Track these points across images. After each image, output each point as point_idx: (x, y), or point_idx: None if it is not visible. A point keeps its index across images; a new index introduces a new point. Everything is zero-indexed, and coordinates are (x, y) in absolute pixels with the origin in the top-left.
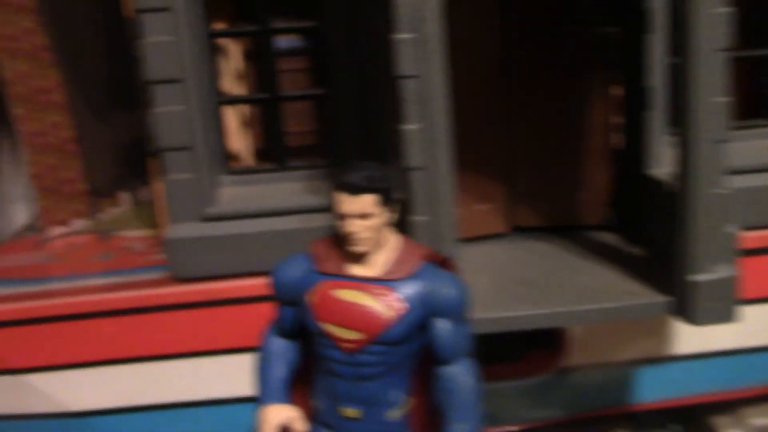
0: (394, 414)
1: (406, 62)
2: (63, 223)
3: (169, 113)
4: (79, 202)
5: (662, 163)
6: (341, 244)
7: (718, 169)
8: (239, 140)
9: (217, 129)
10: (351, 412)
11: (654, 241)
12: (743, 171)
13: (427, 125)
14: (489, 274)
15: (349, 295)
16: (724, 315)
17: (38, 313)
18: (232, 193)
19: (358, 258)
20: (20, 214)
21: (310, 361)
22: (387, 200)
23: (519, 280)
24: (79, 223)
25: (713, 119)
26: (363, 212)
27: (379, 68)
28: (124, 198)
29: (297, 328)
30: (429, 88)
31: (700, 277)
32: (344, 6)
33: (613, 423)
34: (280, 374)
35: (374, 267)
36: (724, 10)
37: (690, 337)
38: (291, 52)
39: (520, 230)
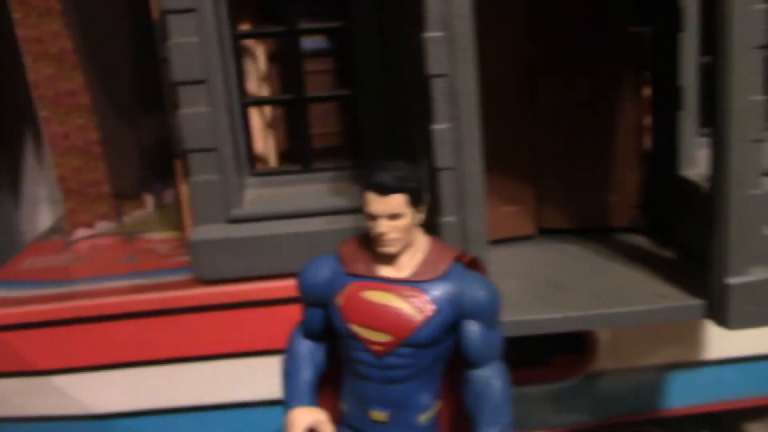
0: (424, 418)
1: (435, 61)
2: (88, 225)
3: (195, 114)
4: (104, 204)
5: (694, 165)
6: (370, 245)
7: (754, 169)
8: (263, 142)
9: (243, 130)
10: (378, 415)
11: (686, 244)
12: None
13: (457, 124)
14: (517, 276)
15: (377, 296)
16: (758, 319)
17: (63, 315)
18: (257, 195)
19: (387, 259)
20: (44, 217)
21: (337, 363)
22: (417, 200)
23: (548, 283)
24: (103, 226)
25: (749, 118)
26: (393, 212)
27: (406, 68)
28: (149, 200)
29: (324, 330)
30: (459, 86)
31: (735, 280)
32: (372, 6)
33: (642, 429)
34: (307, 377)
35: (403, 268)
36: (760, 7)
37: (721, 342)
38: (315, 54)
39: (547, 232)
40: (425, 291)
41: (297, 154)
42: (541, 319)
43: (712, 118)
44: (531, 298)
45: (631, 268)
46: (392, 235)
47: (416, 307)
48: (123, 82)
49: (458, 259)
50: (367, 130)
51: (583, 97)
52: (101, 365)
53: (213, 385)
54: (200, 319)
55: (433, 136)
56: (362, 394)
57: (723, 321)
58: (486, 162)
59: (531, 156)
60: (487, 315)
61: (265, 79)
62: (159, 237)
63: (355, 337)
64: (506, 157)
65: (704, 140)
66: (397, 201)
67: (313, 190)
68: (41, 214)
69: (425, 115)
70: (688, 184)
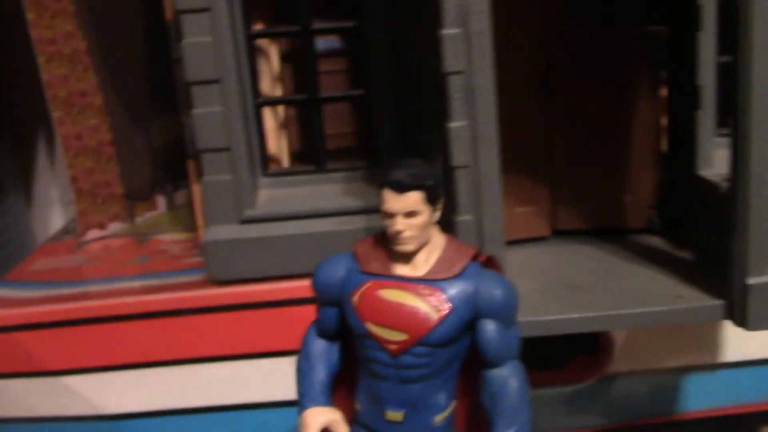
0: (440, 418)
1: (452, 58)
2: (100, 226)
3: (208, 114)
4: (116, 205)
5: (712, 165)
6: (386, 244)
7: None
8: (276, 142)
9: (256, 130)
10: (394, 415)
11: (703, 244)
12: None
13: (473, 122)
14: (532, 276)
15: (393, 295)
16: None
17: (74, 315)
18: (270, 195)
19: (403, 257)
20: (56, 218)
21: (351, 362)
22: (433, 198)
23: (564, 283)
24: (115, 227)
25: None
26: (409, 210)
27: (420, 67)
28: (161, 202)
29: (339, 329)
30: (476, 83)
31: (755, 280)
32: (385, 4)
33: None
34: (322, 376)
35: (419, 267)
36: None
37: (738, 344)
38: (328, 54)
39: (562, 233)
40: (442, 290)
41: (310, 155)
42: (558, 320)
43: (730, 118)
44: (547, 299)
45: (647, 269)
46: (408, 233)
47: (433, 306)
48: (136, 84)
49: (474, 258)
50: (381, 130)
51: (598, 97)
52: (112, 366)
53: (225, 387)
54: (212, 319)
55: (449, 134)
56: (377, 393)
57: (742, 322)
58: (500, 162)
59: (546, 156)
60: (504, 314)
61: (279, 79)
62: (171, 238)
63: (370, 336)
64: (521, 158)
65: (721, 140)
66: (413, 198)
67: (327, 191)
68: (53, 215)
69: (440, 113)
70: (706, 184)
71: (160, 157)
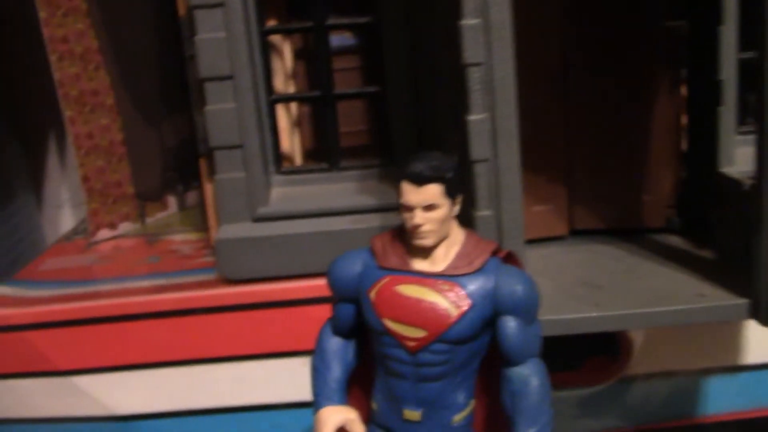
0: (459, 417)
1: (472, 49)
2: (111, 226)
3: (222, 111)
4: (127, 205)
5: (733, 163)
6: (404, 238)
7: None
8: (289, 140)
9: (270, 128)
10: (411, 414)
11: (725, 243)
12: None
13: (493, 115)
14: (550, 275)
15: (412, 290)
16: None
17: (84, 315)
18: (283, 193)
19: (422, 252)
20: (66, 220)
21: (367, 360)
22: (453, 191)
23: (583, 282)
24: (126, 227)
25: None
26: (428, 203)
27: (436, 62)
28: (172, 202)
29: (354, 326)
30: (496, 75)
31: None
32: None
33: None
34: (337, 375)
35: (438, 262)
36: None
37: (762, 346)
38: (342, 51)
39: (579, 233)
40: (461, 285)
41: (323, 153)
42: (578, 318)
43: (753, 114)
44: (566, 297)
45: (668, 268)
46: (428, 227)
47: (452, 302)
48: (148, 83)
49: (494, 253)
50: (396, 127)
51: (617, 94)
52: (122, 366)
53: (237, 387)
54: (224, 319)
55: (468, 127)
56: (395, 392)
57: (766, 320)
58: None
59: (563, 154)
60: (526, 310)
61: (292, 76)
62: (182, 238)
63: (388, 332)
64: (538, 156)
65: (741, 138)
66: (433, 191)
67: (340, 189)
68: (63, 217)
69: (458, 108)
70: (729, 182)
71: (171, 158)
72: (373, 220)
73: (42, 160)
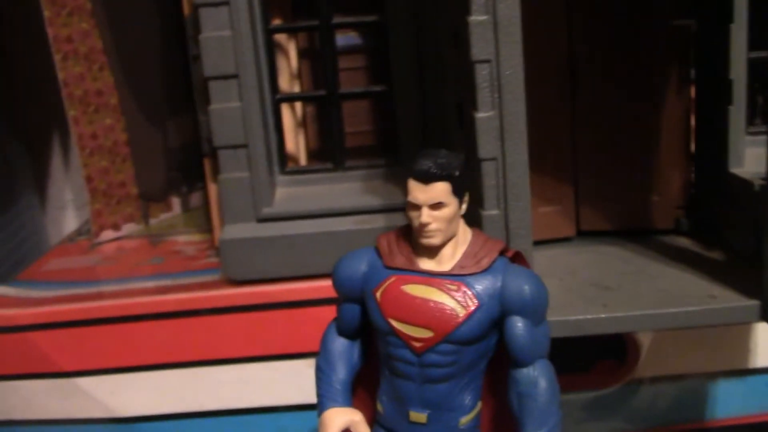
0: (465, 420)
1: (480, 46)
2: (114, 227)
3: (226, 110)
4: (131, 206)
5: (743, 163)
6: (410, 237)
7: None
8: (294, 140)
9: (275, 127)
10: (417, 416)
11: (735, 244)
12: None
13: (501, 113)
14: (559, 276)
15: (418, 290)
16: None
17: (87, 315)
18: (287, 194)
19: (429, 251)
20: (70, 221)
21: (372, 361)
22: (460, 189)
23: (591, 283)
24: (129, 228)
25: None
26: (436, 201)
27: (443, 62)
28: (176, 203)
29: (360, 326)
30: (504, 72)
31: None
32: None
33: None
34: (342, 376)
35: (445, 261)
36: None
37: None
38: (347, 51)
39: (587, 234)
40: (469, 285)
41: (327, 153)
42: (587, 319)
43: (762, 115)
44: (575, 298)
45: (677, 269)
46: (435, 226)
47: (459, 302)
48: (152, 84)
49: (502, 253)
50: (402, 127)
51: (625, 94)
52: (126, 367)
53: (241, 389)
54: (227, 320)
55: (476, 125)
56: (400, 393)
57: None
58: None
59: (570, 155)
60: (534, 310)
61: (296, 76)
62: (186, 239)
63: (393, 333)
64: (545, 156)
65: (750, 139)
66: (440, 189)
67: (345, 189)
68: (67, 218)
69: (466, 105)
70: (739, 183)
71: (175, 159)
72: (379, 221)
73: (46, 161)
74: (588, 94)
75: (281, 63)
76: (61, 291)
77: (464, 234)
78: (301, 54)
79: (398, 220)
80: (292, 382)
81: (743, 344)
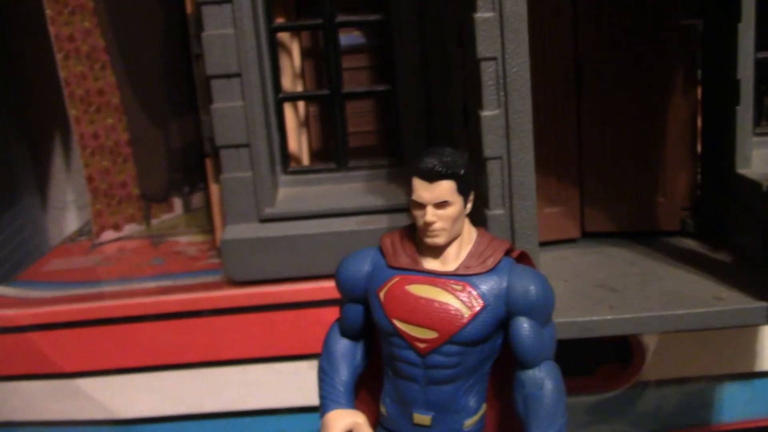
0: (470, 422)
1: (486, 43)
2: (115, 227)
3: (229, 109)
4: (132, 206)
5: (750, 164)
6: (414, 237)
7: None
8: (296, 140)
9: (277, 127)
10: (421, 418)
11: (742, 246)
12: None
13: (507, 111)
14: (564, 278)
15: (423, 290)
16: None
17: (88, 316)
18: (290, 194)
19: (433, 251)
20: (71, 222)
21: (375, 362)
22: (465, 188)
23: (597, 285)
24: (131, 228)
25: None
26: (440, 200)
27: (447, 61)
28: (177, 204)
29: (363, 327)
30: (510, 70)
31: None
32: None
33: None
34: (345, 377)
35: (450, 261)
36: None
37: None
38: (350, 50)
39: (592, 236)
40: (474, 285)
41: (330, 153)
42: (593, 321)
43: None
44: (580, 300)
45: (684, 271)
46: (440, 225)
47: (464, 302)
48: (154, 83)
49: (507, 253)
50: (406, 127)
51: (631, 94)
52: (127, 368)
53: (242, 391)
54: (229, 321)
55: (481, 123)
56: (404, 395)
57: None
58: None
59: (576, 156)
60: (540, 311)
61: (299, 76)
62: (187, 240)
63: (397, 333)
64: (550, 157)
65: (757, 140)
66: (445, 188)
67: (348, 189)
68: (68, 219)
69: (471, 104)
70: (746, 183)
71: (176, 159)
72: (382, 221)
73: (47, 161)
74: (593, 95)
75: (284, 62)
76: (61, 291)
77: (469, 233)
78: (305, 53)
79: (401, 220)
80: (294, 384)
81: (749, 348)
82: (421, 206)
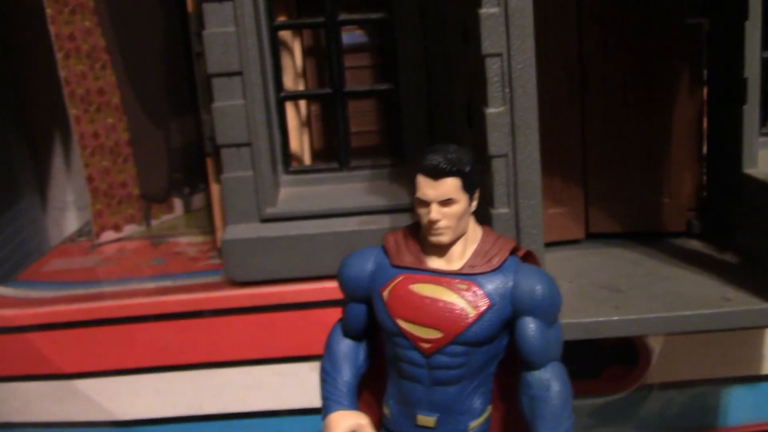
0: (475, 424)
1: (491, 39)
2: (115, 227)
3: (230, 108)
4: (132, 206)
5: (757, 164)
6: (418, 235)
7: None
8: (298, 139)
9: (279, 126)
10: (425, 420)
11: (749, 246)
12: None
13: (512, 108)
14: (569, 278)
15: (427, 289)
16: None
17: (88, 316)
18: (291, 193)
19: (438, 250)
20: (71, 222)
21: (378, 363)
22: (471, 185)
23: (603, 286)
24: (131, 229)
25: None
26: (445, 197)
27: (450, 59)
28: (177, 204)
29: (366, 327)
30: (515, 67)
31: None
32: None
33: None
34: (347, 378)
35: (455, 260)
36: None
37: None
38: (352, 49)
39: (596, 236)
40: (479, 284)
41: (332, 153)
42: (599, 322)
43: None
44: (585, 301)
45: (690, 272)
46: (444, 223)
47: (469, 302)
48: (154, 83)
49: (513, 252)
50: (408, 126)
51: (636, 93)
52: (127, 369)
53: (243, 392)
54: (230, 322)
55: (486, 121)
56: (408, 396)
57: None
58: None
59: (580, 155)
60: (546, 311)
61: (301, 75)
62: (187, 240)
63: (401, 333)
64: (554, 156)
65: (762, 141)
66: (450, 185)
67: (350, 189)
68: (68, 219)
69: (475, 102)
70: (754, 183)
71: (177, 159)
72: (384, 221)
73: (47, 162)
74: (598, 94)
75: (286, 61)
76: (61, 292)
77: (474, 232)
78: (306, 52)
79: (404, 220)
80: (295, 385)
81: (755, 350)
82: (426, 204)
